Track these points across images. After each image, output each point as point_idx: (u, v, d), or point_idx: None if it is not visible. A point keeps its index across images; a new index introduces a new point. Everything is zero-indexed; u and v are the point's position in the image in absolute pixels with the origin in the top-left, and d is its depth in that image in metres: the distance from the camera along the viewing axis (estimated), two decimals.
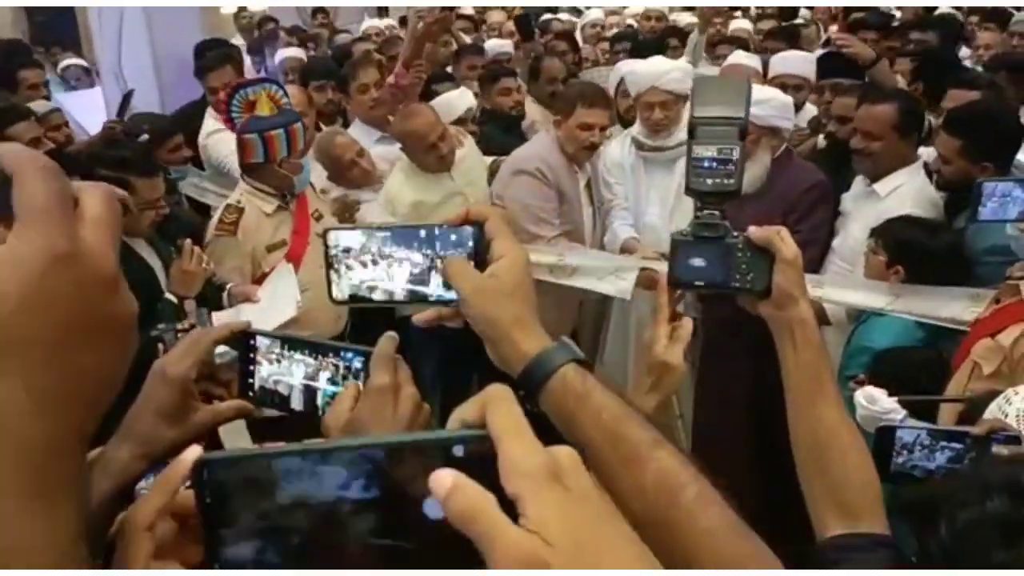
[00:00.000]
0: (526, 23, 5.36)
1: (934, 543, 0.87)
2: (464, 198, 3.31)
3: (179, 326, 2.41)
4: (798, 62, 3.96)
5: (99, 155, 2.62)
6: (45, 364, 0.44)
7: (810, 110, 3.94)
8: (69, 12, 8.14)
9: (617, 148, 3.48)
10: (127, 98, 3.94)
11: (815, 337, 1.07)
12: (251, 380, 1.01)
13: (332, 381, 0.96)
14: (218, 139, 3.69)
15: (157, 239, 2.74)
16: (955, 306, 2.37)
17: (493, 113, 4.11)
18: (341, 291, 0.94)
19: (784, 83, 3.71)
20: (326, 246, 0.93)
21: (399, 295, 0.92)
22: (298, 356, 0.99)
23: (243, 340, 1.00)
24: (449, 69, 4.69)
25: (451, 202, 3.28)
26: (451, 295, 0.89)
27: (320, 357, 0.98)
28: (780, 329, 1.07)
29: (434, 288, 0.91)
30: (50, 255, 0.44)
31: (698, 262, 1.10)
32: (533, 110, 4.19)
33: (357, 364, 0.94)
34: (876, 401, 1.89)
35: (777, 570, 0.77)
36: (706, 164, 1.09)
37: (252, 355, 1.01)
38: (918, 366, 2.24)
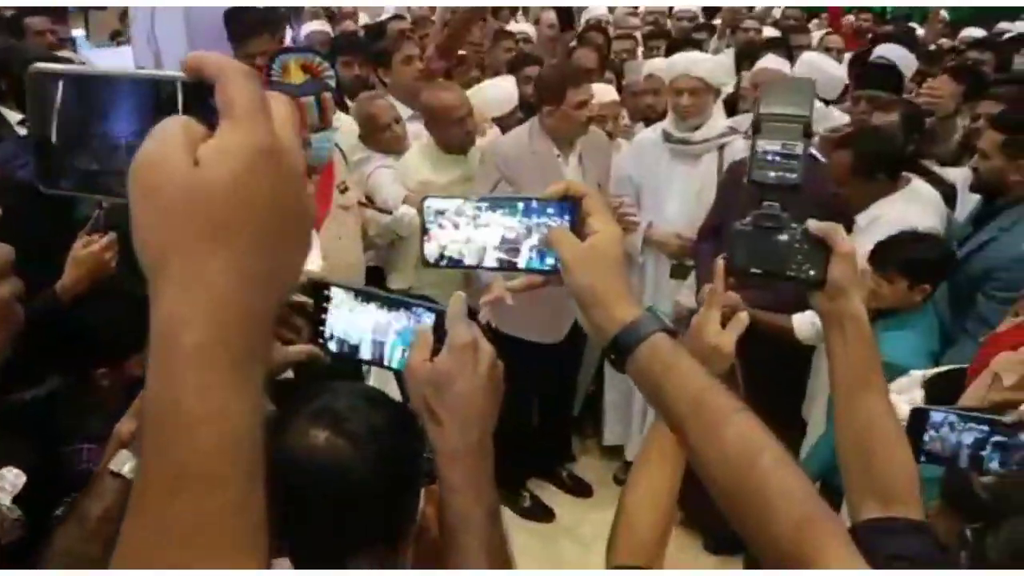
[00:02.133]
0: (567, 12, 5.34)
1: (994, 549, 0.88)
2: (473, 184, 3.35)
3: None
4: (825, 81, 3.98)
5: None
6: (250, 247, 0.48)
7: (833, 117, 3.95)
8: None
9: (650, 134, 3.55)
10: None
11: (866, 331, 1.09)
12: (323, 328, 1.06)
13: (400, 335, 1.01)
14: None
15: None
16: None
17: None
18: (431, 253, 0.98)
19: None
20: (423, 212, 0.97)
21: (489, 260, 0.96)
22: (371, 307, 1.04)
23: (318, 289, 1.05)
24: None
25: (459, 187, 3.32)
26: (541, 264, 0.94)
27: (392, 310, 1.03)
28: (831, 322, 1.09)
29: (525, 257, 0.95)
30: (257, 148, 0.48)
31: (757, 251, 1.12)
32: None
33: (427, 320, 0.99)
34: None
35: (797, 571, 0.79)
36: (770, 158, 1.12)
37: (325, 304, 1.06)
38: None
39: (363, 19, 6.36)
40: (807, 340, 2.83)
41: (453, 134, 3.28)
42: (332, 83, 2.86)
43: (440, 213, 0.97)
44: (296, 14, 6.01)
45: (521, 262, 0.95)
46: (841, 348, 1.09)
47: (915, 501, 1.07)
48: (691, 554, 3.37)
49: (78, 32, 5.24)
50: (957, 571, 0.86)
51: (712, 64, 3.34)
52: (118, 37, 5.62)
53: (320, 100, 2.75)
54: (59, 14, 4.97)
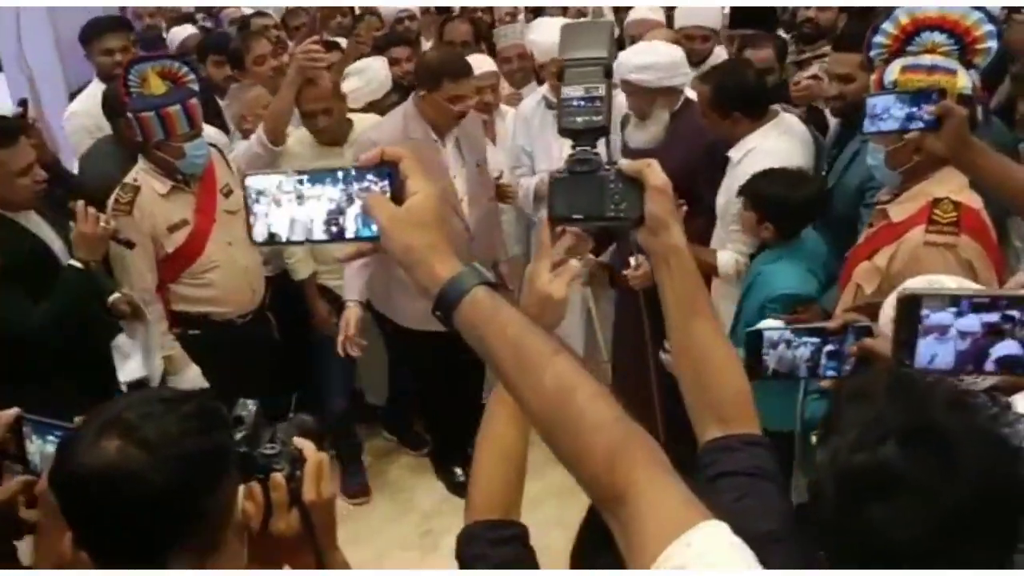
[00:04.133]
0: None
1: (822, 468, 0.90)
2: None
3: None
4: (703, 13, 3.93)
5: None
6: None
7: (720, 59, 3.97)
8: None
9: (531, 103, 3.60)
10: None
11: (689, 262, 1.11)
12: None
13: None
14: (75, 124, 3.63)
15: (48, 209, 2.60)
16: None
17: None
18: (259, 233, 0.97)
19: (690, 35, 3.76)
20: (244, 191, 0.97)
21: (317, 234, 0.97)
22: None
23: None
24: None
25: None
26: (369, 232, 0.95)
27: None
28: (656, 255, 1.11)
29: (352, 226, 0.96)
30: None
31: (574, 196, 1.12)
32: None
33: None
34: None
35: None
36: (575, 103, 1.12)
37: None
38: None
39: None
40: (727, 277, 2.85)
41: (316, 121, 3.23)
42: (196, 87, 2.79)
43: (261, 192, 0.96)
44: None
45: (349, 231, 0.96)
46: (668, 280, 1.11)
47: (749, 417, 1.11)
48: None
49: None
50: (949, 572, 0.82)
51: None
52: None
53: (187, 108, 2.70)
54: None
